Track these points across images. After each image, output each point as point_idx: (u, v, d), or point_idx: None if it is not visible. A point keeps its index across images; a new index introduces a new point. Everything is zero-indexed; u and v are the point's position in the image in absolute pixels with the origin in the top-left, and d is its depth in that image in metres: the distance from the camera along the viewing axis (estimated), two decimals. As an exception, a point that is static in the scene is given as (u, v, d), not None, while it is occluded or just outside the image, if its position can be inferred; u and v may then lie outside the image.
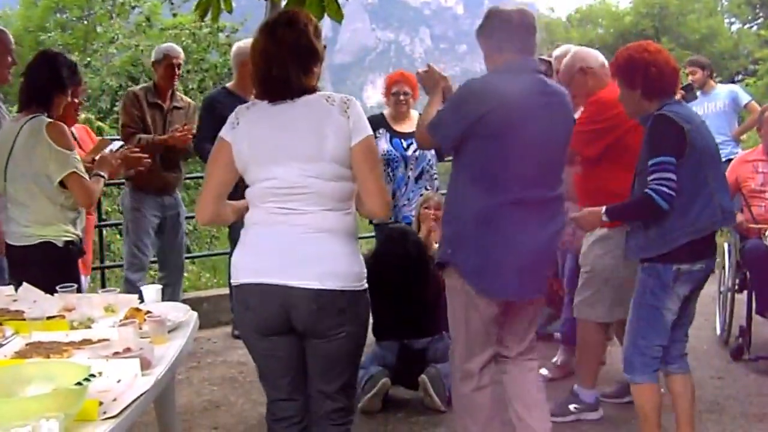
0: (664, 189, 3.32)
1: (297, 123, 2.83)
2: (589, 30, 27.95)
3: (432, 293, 4.57)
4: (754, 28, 26.95)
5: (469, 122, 3.26)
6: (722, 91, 7.52)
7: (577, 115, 4.12)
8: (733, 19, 28.74)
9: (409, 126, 5.74)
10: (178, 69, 5.82)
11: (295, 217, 2.80)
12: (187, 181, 13.16)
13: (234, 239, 5.25)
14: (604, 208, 3.58)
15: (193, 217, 5.83)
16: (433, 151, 5.45)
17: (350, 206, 2.91)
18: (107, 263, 7.72)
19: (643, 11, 26.57)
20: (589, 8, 30.30)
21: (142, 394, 2.43)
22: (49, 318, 3.18)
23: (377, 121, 5.66)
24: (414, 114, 5.83)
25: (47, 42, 17.89)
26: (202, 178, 5.77)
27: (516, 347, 3.64)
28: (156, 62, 5.83)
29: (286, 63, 2.83)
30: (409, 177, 5.76)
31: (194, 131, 5.62)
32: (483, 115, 3.25)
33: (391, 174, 5.69)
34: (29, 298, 3.47)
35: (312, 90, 2.88)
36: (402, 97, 5.75)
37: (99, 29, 18.12)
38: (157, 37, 16.34)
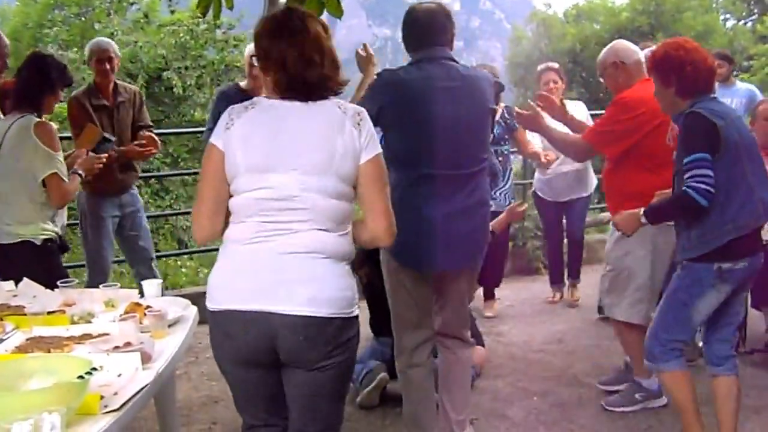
0: (702, 186, 3.29)
1: (305, 128, 2.56)
2: (586, 26, 27.94)
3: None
4: (749, 24, 27.02)
5: (376, 110, 3.36)
6: (741, 87, 7.39)
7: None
8: (728, 16, 28.80)
9: None
10: (110, 63, 5.53)
11: (285, 235, 2.52)
12: (186, 177, 13.27)
13: None
14: (642, 210, 3.56)
15: (189, 213, 5.82)
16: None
17: (347, 229, 2.64)
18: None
19: (639, 8, 26.55)
20: (585, 4, 30.28)
21: (143, 388, 2.45)
22: (49, 313, 3.20)
23: None
24: None
25: (45, 38, 17.86)
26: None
27: (451, 327, 3.86)
28: (88, 60, 5.62)
29: (322, 61, 2.58)
30: None
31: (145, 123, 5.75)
32: (384, 104, 3.47)
33: None
34: (29, 293, 3.49)
35: (338, 89, 2.66)
36: None
37: (97, 26, 18.03)
38: (155, 34, 16.34)
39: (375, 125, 2.83)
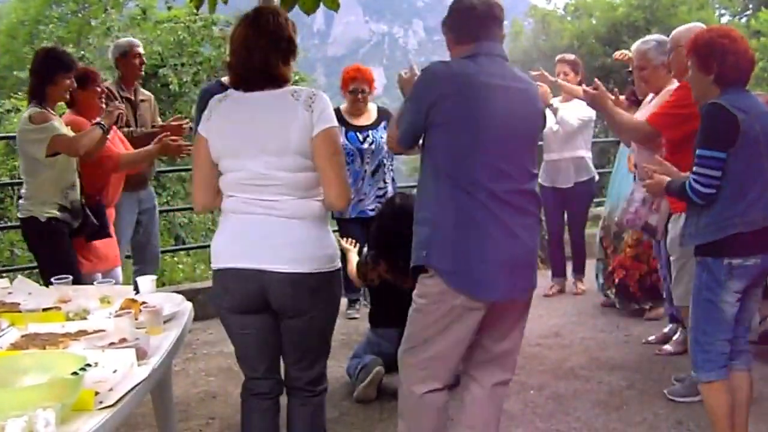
0: (698, 186, 3.31)
1: (264, 117, 2.95)
2: (584, 21, 27.95)
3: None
4: (743, 19, 27.04)
5: (426, 107, 3.03)
6: None
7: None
8: (723, 11, 28.78)
9: (365, 119, 5.83)
10: (141, 59, 5.84)
11: (266, 205, 2.95)
12: (183, 173, 13.26)
13: None
14: (667, 179, 3.57)
15: (187, 209, 5.86)
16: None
17: (318, 193, 3.01)
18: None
19: (634, 3, 26.50)
20: (584, 0, 30.31)
21: (138, 384, 2.46)
22: (44, 310, 3.21)
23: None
24: (371, 107, 5.87)
25: (42, 35, 17.86)
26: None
27: (488, 354, 3.31)
28: (121, 56, 5.77)
29: (267, 52, 2.96)
30: (365, 171, 5.79)
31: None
32: (438, 100, 3.03)
33: (347, 168, 5.73)
34: (25, 290, 3.50)
35: (287, 81, 3.03)
36: (360, 96, 5.80)
37: (94, 23, 18.04)
38: (151, 31, 16.30)
39: (429, 127, 3.02)
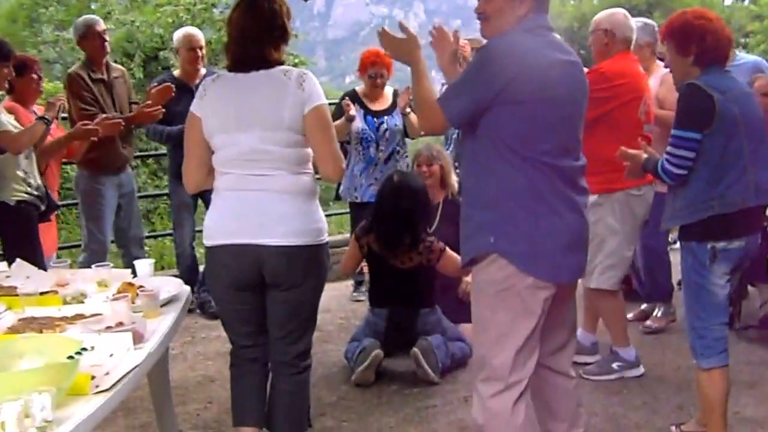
0: (670, 167, 3.33)
1: (258, 94, 3.06)
2: (584, 3, 27.87)
3: (428, 261, 4.64)
4: (746, 2, 27.00)
5: (499, 87, 2.79)
6: (748, 60, 6.96)
7: None
8: (726, -6, 28.75)
9: (382, 104, 5.85)
10: (105, 36, 5.60)
11: (258, 180, 3.05)
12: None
13: None
14: (644, 157, 3.55)
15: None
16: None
17: (308, 168, 3.16)
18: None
19: (636, -16, 26.48)
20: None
21: (134, 368, 2.45)
22: (42, 293, 3.20)
23: (351, 97, 5.80)
24: (387, 91, 5.87)
25: (41, 18, 17.80)
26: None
27: (558, 340, 3.15)
28: (81, 38, 5.54)
29: (262, 40, 3.09)
30: (379, 157, 5.79)
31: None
32: (510, 80, 2.79)
33: (362, 153, 5.78)
34: (22, 273, 3.49)
35: (280, 64, 3.13)
36: (379, 80, 5.79)
37: (93, 6, 17.97)
38: (151, 13, 16.26)
39: (491, 108, 2.78)
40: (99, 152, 5.14)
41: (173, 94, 5.47)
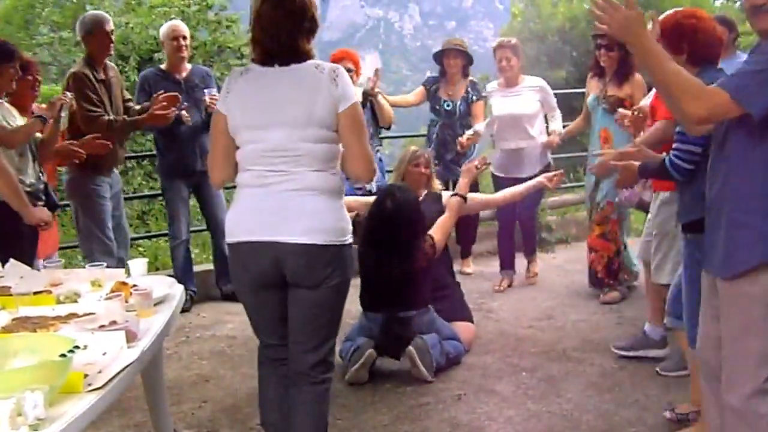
0: (678, 161, 3.36)
1: (288, 89, 3.01)
2: (575, 5, 27.86)
3: (420, 260, 4.64)
4: (737, 3, 27.04)
5: None
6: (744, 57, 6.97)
7: None
8: (717, -5, 28.76)
9: None
10: (113, 36, 5.58)
11: (284, 177, 3.00)
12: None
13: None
14: (638, 164, 3.60)
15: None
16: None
17: (336, 166, 3.10)
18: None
19: (629, -14, 26.52)
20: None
21: (127, 366, 2.46)
22: (35, 293, 3.21)
23: None
24: (357, 90, 5.94)
25: (37, 20, 17.76)
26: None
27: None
28: (88, 34, 5.48)
29: (294, 32, 3.04)
30: None
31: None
32: None
33: None
34: (16, 273, 3.50)
35: (311, 57, 3.08)
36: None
37: (89, 7, 17.92)
38: (146, 15, 16.20)
39: None
40: (92, 152, 5.13)
41: (178, 103, 5.59)
